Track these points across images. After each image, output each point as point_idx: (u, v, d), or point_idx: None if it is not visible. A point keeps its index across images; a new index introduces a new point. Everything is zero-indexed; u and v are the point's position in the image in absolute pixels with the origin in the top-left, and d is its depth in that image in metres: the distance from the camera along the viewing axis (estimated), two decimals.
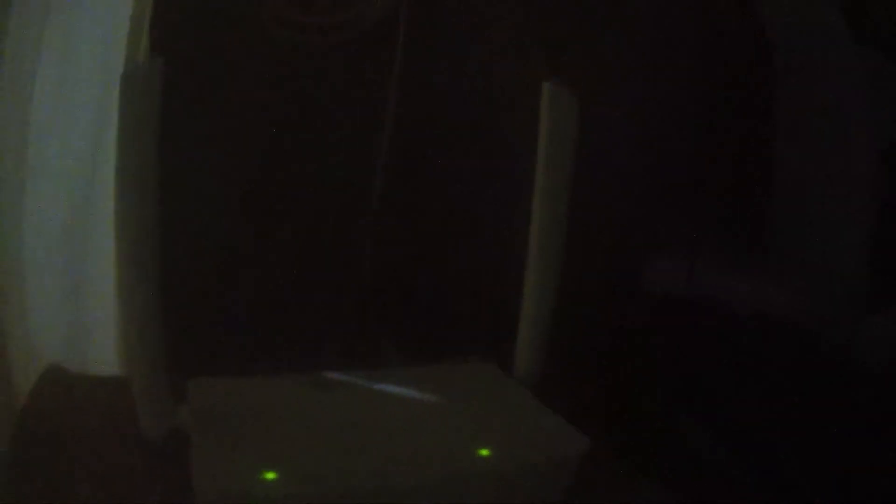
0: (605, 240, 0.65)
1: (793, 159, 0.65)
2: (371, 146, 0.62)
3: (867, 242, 0.62)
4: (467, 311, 0.64)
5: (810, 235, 0.64)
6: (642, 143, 0.65)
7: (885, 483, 0.55)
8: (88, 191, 0.62)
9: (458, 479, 0.49)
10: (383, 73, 0.61)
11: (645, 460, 0.59)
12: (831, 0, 0.64)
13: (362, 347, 0.65)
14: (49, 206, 0.62)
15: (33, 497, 0.52)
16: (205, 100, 0.60)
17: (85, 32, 0.62)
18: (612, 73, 0.64)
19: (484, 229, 0.65)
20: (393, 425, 0.52)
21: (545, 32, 0.62)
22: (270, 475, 0.46)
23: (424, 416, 0.54)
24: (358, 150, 0.62)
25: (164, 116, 0.51)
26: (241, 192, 0.61)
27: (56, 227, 0.62)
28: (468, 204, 0.65)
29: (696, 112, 0.66)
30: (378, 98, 0.62)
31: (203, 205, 0.60)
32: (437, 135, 0.63)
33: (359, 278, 0.64)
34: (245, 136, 0.61)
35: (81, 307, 0.63)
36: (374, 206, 0.63)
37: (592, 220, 0.61)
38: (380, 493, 0.47)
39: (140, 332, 0.51)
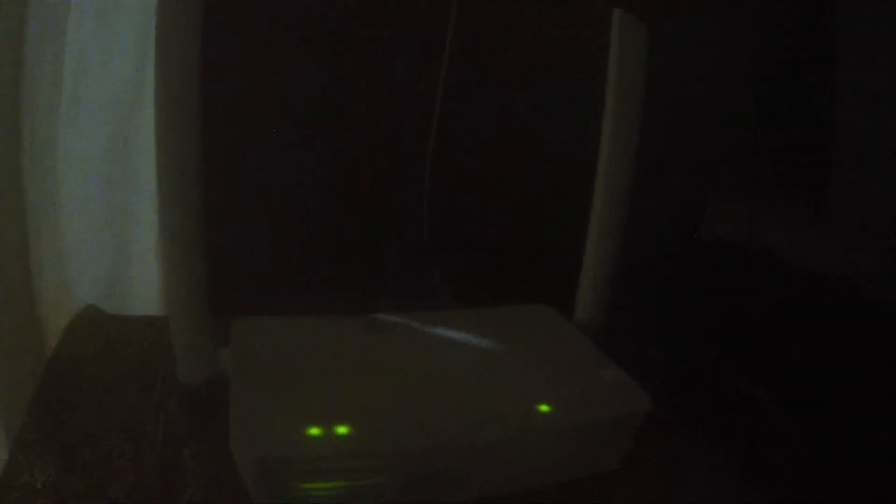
0: (670, 185, 0.62)
1: (854, 116, 0.61)
2: (432, 81, 0.58)
3: None
4: (528, 254, 0.60)
5: (870, 193, 0.60)
6: (710, 85, 0.62)
7: None
8: (130, 122, 0.59)
9: (518, 438, 0.45)
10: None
11: (704, 418, 0.55)
12: None
13: (418, 287, 0.61)
14: (88, 139, 0.59)
15: (61, 442, 0.49)
16: (253, 28, 0.56)
17: None
18: (684, 6, 0.60)
19: (549, 169, 0.61)
20: (448, 375, 0.48)
21: None
22: (314, 431, 0.42)
23: (482, 365, 0.49)
24: (418, 86, 0.58)
25: (207, 46, 0.47)
26: (292, 127, 0.57)
27: (95, 162, 0.59)
28: (533, 141, 0.61)
29: (762, 58, 0.63)
30: (439, 24, 0.57)
31: (250, 139, 0.55)
32: (500, 68, 0.58)
33: (416, 215, 0.60)
34: (297, 69, 0.56)
35: (121, 245, 0.61)
36: (434, 141, 0.58)
37: (659, 165, 0.56)
38: (438, 452, 0.43)
39: (182, 270, 0.47)
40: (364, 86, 0.57)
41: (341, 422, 0.42)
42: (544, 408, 0.46)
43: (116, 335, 0.58)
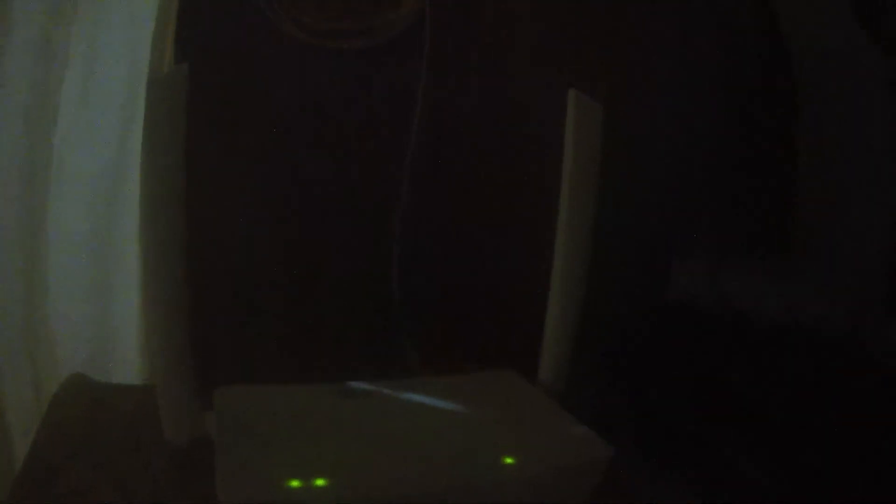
0: (629, 248, 0.64)
1: (817, 165, 0.64)
2: (398, 154, 0.62)
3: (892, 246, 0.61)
4: (491, 322, 0.64)
5: (835, 240, 0.63)
6: (666, 150, 0.65)
7: None
8: (113, 198, 0.62)
9: (484, 487, 0.48)
10: (409, 79, 0.61)
11: (669, 467, 0.58)
12: (844, 8, 0.63)
13: (388, 357, 0.64)
14: (74, 213, 0.61)
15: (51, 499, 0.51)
16: (230, 105, 0.59)
17: (110, 39, 0.62)
18: (637, 80, 0.64)
19: (509, 240, 0.64)
20: (419, 434, 0.50)
21: (569, 40, 0.62)
22: (294, 483, 0.45)
23: (450, 425, 0.52)
24: (385, 159, 0.61)
25: (190, 122, 0.50)
26: (268, 199, 0.60)
27: (81, 234, 0.61)
28: (494, 213, 0.64)
29: (720, 118, 0.66)
30: (404, 105, 0.61)
31: (229, 211, 0.58)
32: (462, 143, 0.62)
33: (385, 289, 0.64)
34: (271, 142, 0.60)
35: (106, 315, 0.63)
36: (401, 215, 0.62)
37: (617, 228, 0.60)
38: (411, 500, 0.46)
39: (166, 338, 0.50)
40: (335, 159, 0.61)
41: (319, 475, 0.45)
42: (509, 460, 0.49)
43: (103, 401, 0.61)
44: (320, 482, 0.44)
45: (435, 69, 0.60)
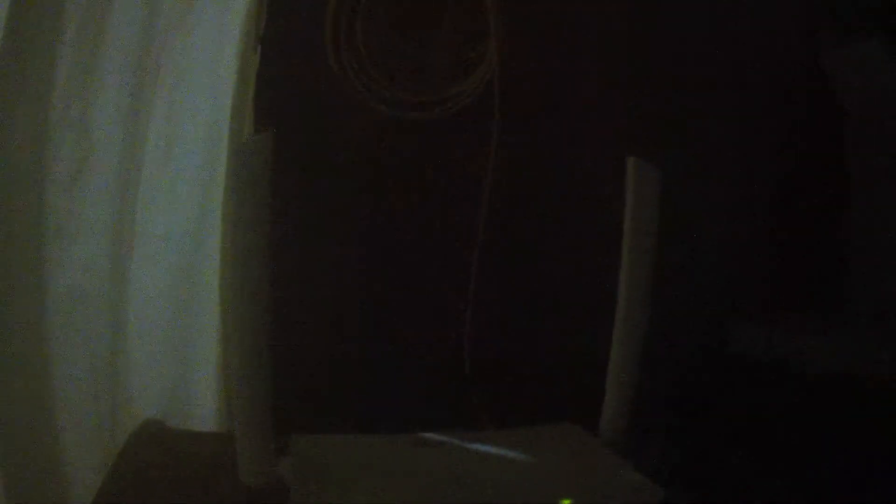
0: (687, 308, 0.67)
1: (867, 224, 0.66)
2: (469, 220, 0.65)
3: None
4: (557, 377, 0.66)
5: (885, 299, 0.65)
6: (723, 214, 0.68)
7: None
8: (195, 246, 0.64)
9: None
10: (479, 148, 0.64)
11: None
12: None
13: (459, 410, 0.66)
14: (156, 262, 0.64)
15: None
16: (309, 170, 0.63)
17: (191, 101, 0.65)
18: (695, 148, 0.67)
19: (572, 298, 0.67)
20: (485, 484, 0.53)
21: (631, 108, 0.65)
22: None
23: (512, 474, 0.54)
24: (457, 223, 0.65)
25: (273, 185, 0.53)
26: (345, 259, 0.63)
27: (163, 283, 0.65)
28: (558, 272, 0.67)
29: (774, 182, 0.69)
30: (474, 174, 0.65)
31: (309, 268, 0.62)
32: (528, 207, 0.65)
33: (457, 345, 0.66)
34: (348, 207, 0.63)
35: (185, 365, 0.66)
36: (473, 277, 0.65)
37: (676, 290, 0.62)
38: None
39: (249, 387, 0.53)
40: (410, 223, 0.64)
41: None
42: (566, 502, 0.51)
43: (179, 447, 0.63)
44: None
45: (503, 137, 0.63)
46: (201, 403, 0.65)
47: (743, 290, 0.69)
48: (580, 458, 0.58)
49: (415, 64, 0.65)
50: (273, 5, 0.64)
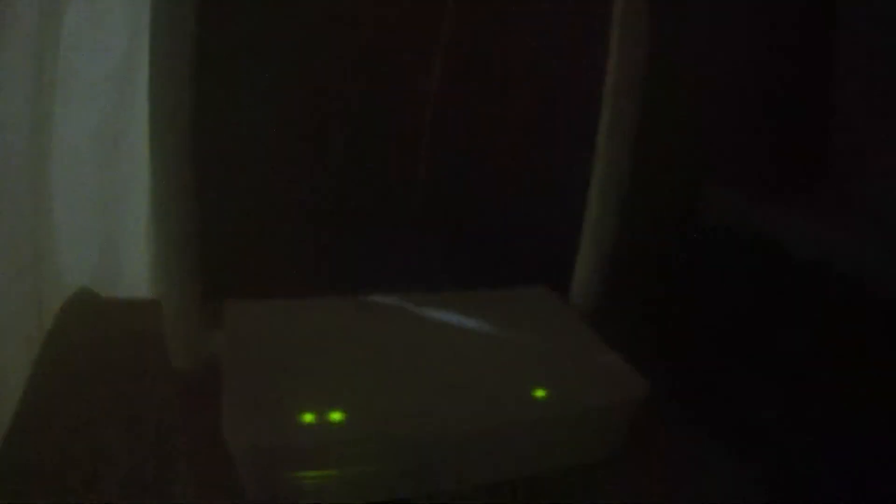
0: (666, 170, 0.61)
1: (852, 99, 0.62)
2: (430, 58, 0.57)
3: None
4: (525, 235, 0.60)
5: (867, 179, 0.61)
6: (705, 72, 0.62)
7: None
8: (121, 102, 0.57)
9: (512, 423, 0.44)
10: None
11: (701, 406, 0.54)
12: None
13: (413, 269, 0.60)
14: (81, 120, 0.57)
15: (56, 428, 0.48)
16: (246, 7, 0.55)
17: None
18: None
19: (547, 150, 0.60)
20: (444, 357, 0.47)
21: None
22: (308, 418, 0.41)
23: (479, 348, 0.48)
24: (416, 61, 0.57)
25: (203, 21, 0.46)
26: (283, 105, 0.55)
27: (87, 144, 0.58)
28: (532, 121, 0.60)
29: (764, 52, 0.62)
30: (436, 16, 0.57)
31: (242, 117, 0.54)
32: (500, 46, 0.58)
33: (413, 192, 0.60)
34: (290, 50, 0.55)
35: (112, 227, 0.60)
36: (430, 116, 0.57)
37: (657, 148, 0.56)
38: (428, 439, 0.43)
39: (175, 252, 0.46)
40: (357, 69, 0.56)
41: (335, 408, 0.41)
42: (540, 393, 0.45)
43: (108, 319, 0.58)
44: (336, 416, 0.41)
45: None
46: (134, 269, 0.59)
47: (725, 159, 0.63)
48: (556, 333, 0.52)
49: None
50: None
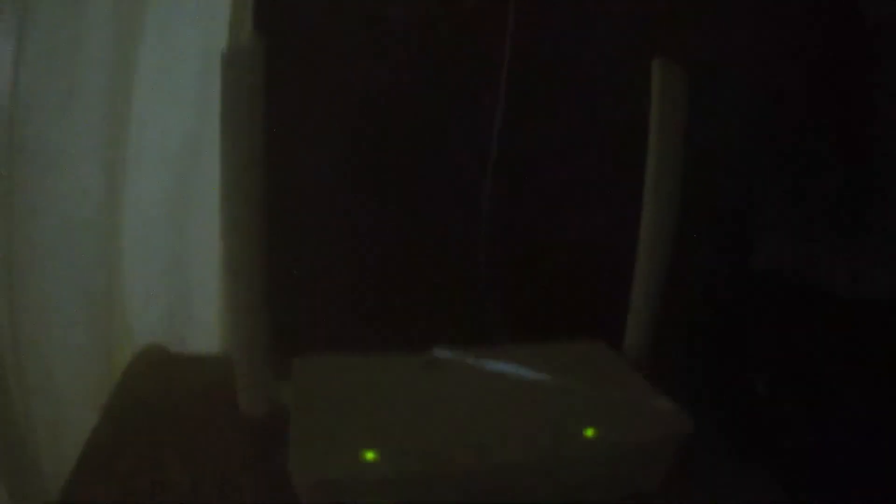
0: (714, 222, 0.63)
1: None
2: (485, 125, 0.60)
3: None
4: (578, 291, 0.62)
5: None
6: (750, 124, 0.63)
7: None
8: (190, 169, 0.61)
9: (563, 459, 0.46)
10: (493, 47, 0.60)
11: (748, 442, 0.56)
12: None
13: (474, 326, 0.62)
14: (151, 185, 0.61)
15: (126, 475, 0.50)
16: (309, 78, 0.59)
17: (186, 15, 0.62)
18: (723, 49, 0.60)
19: (596, 209, 0.62)
20: (502, 405, 0.49)
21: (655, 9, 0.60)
22: (370, 455, 0.44)
23: (533, 396, 0.51)
24: (472, 129, 0.60)
25: (269, 96, 0.49)
26: (350, 169, 0.59)
27: (158, 206, 0.61)
28: (582, 182, 0.62)
29: (802, 93, 0.63)
30: (490, 75, 0.60)
31: (311, 180, 0.58)
32: (549, 115, 0.61)
33: (473, 257, 0.62)
34: (352, 114, 0.59)
35: (182, 287, 0.63)
36: (489, 185, 0.60)
37: (702, 202, 0.58)
38: (484, 472, 0.45)
39: (245, 308, 0.49)
40: (420, 135, 0.60)
41: (396, 448, 0.43)
42: (590, 432, 0.47)
43: (176, 372, 0.61)
44: (397, 453, 0.43)
45: (519, 34, 0.59)
46: (203, 326, 0.62)
47: (770, 205, 0.65)
48: (606, 379, 0.54)
49: None
50: None
